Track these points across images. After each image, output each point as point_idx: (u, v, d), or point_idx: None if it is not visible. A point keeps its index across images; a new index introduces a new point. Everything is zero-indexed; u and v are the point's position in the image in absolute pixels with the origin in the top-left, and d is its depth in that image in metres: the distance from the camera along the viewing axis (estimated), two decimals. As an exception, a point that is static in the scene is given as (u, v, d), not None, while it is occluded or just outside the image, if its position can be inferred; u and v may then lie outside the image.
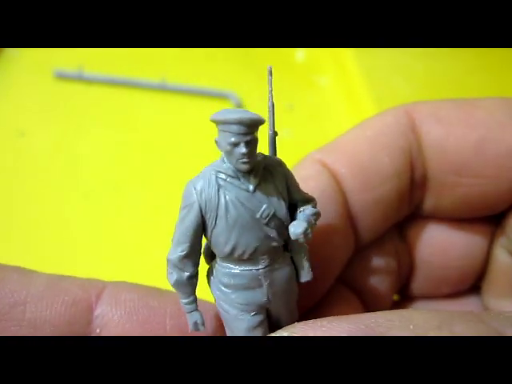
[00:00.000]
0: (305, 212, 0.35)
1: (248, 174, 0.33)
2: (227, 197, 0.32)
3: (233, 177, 0.33)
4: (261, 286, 0.34)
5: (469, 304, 0.50)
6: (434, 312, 0.31)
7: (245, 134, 0.31)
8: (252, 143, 0.32)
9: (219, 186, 0.33)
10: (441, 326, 0.29)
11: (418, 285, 0.50)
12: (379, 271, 0.47)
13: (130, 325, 0.36)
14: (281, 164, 0.35)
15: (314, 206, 0.36)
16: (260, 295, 0.34)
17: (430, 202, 0.46)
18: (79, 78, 0.96)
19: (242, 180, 0.33)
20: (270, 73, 0.35)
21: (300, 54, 1.12)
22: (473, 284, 0.50)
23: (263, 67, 1.28)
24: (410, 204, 0.46)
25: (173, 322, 0.37)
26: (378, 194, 0.43)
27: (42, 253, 0.72)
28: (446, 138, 0.43)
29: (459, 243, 0.47)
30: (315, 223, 0.35)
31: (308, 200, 0.36)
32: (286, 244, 0.36)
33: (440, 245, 0.48)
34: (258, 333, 0.35)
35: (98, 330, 0.35)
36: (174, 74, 0.99)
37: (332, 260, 0.43)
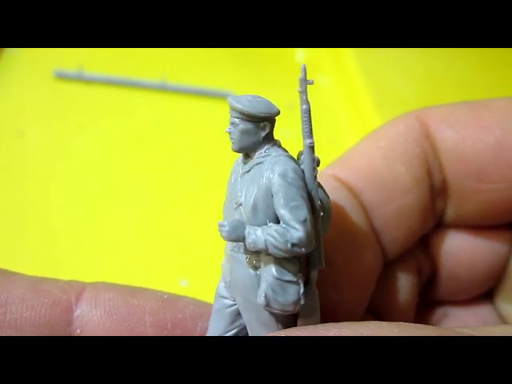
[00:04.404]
0: (265, 229, 0.32)
1: (246, 159, 0.35)
2: (234, 172, 0.36)
3: (243, 159, 0.35)
4: (227, 264, 0.35)
5: (483, 310, 0.48)
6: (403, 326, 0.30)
7: (231, 116, 0.35)
8: (236, 126, 0.34)
9: (238, 164, 0.36)
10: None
11: (436, 293, 0.48)
12: (400, 291, 0.44)
13: (110, 323, 0.36)
14: (275, 171, 0.33)
15: (280, 230, 0.32)
16: (226, 271, 0.35)
17: (451, 210, 0.44)
18: (79, 78, 0.96)
19: (244, 162, 0.35)
20: (304, 70, 0.34)
21: (300, 53, 1.12)
22: (489, 290, 0.48)
23: (263, 67, 1.29)
24: (434, 214, 0.44)
25: (152, 318, 0.37)
26: (399, 205, 0.42)
27: (43, 252, 0.72)
28: (462, 143, 0.41)
29: (485, 254, 0.45)
30: (270, 248, 0.32)
31: (285, 221, 0.32)
32: None
33: (465, 256, 0.46)
34: (218, 303, 0.36)
35: (78, 331, 0.36)
36: (174, 74, 0.99)
37: (365, 281, 0.41)
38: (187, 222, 0.78)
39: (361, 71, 1.00)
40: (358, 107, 0.97)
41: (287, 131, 0.85)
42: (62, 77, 0.96)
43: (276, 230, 0.31)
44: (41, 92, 0.94)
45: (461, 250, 0.46)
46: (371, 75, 0.99)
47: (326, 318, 0.35)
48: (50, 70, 0.96)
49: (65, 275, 0.70)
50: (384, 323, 0.30)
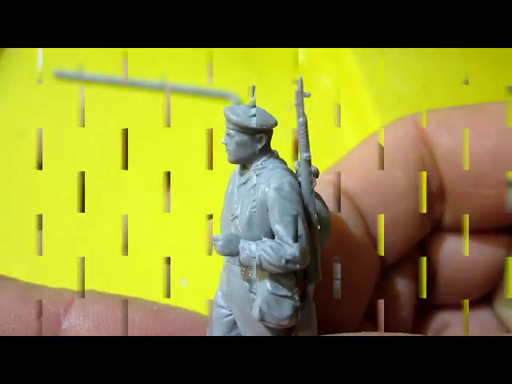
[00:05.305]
0: (259, 244, 0.32)
1: (243, 170, 0.35)
2: (231, 183, 0.35)
3: (240, 169, 0.35)
4: (225, 274, 0.35)
5: (482, 313, 0.48)
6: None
7: (227, 127, 0.34)
8: (231, 137, 0.34)
9: (235, 174, 0.36)
10: None
11: (434, 297, 0.48)
12: (398, 296, 0.45)
13: None
14: (271, 185, 0.32)
15: (274, 246, 0.31)
16: (223, 281, 0.35)
17: (448, 215, 0.44)
18: (79, 78, 0.96)
19: (240, 173, 0.35)
20: (299, 83, 0.34)
21: (300, 54, 1.12)
22: (488, 293, 0.48)
23: (263, 67, 1.29)
24: (431, 219, 0.44)
25: (141, 332, 0.37)
26: (396, 211, 0.42)
27: (44, 253, 0.72)
28: (459, 148, 0.41)
29: (483, 258, 0.45)
30: (264, 264, 0.31)
31: (279, 237, 0.31)
32: None
33: (463, 260, 0.46)
34: (215, 313, 0.36)
35: None
36: (174, 74, 0.99)
37: (363, 289, 0.42)
38: (187, 221, 0.78)
39: (361, 71, 1.00)
40: (358, 107, 0.97)
41: (287, 132, 0.85)
42: (62, 77, 0.96)
43: (270, 246, 0.31)
44: (41, 92, 0.94)
45: (458, 254, 0.46)
46: (371, 75, 0.99)
47: (324, 327, 0.34)
48: (50, 70, 0.96)
49: (65, 275, 0.70)
50: (383, 334, 0.30)
